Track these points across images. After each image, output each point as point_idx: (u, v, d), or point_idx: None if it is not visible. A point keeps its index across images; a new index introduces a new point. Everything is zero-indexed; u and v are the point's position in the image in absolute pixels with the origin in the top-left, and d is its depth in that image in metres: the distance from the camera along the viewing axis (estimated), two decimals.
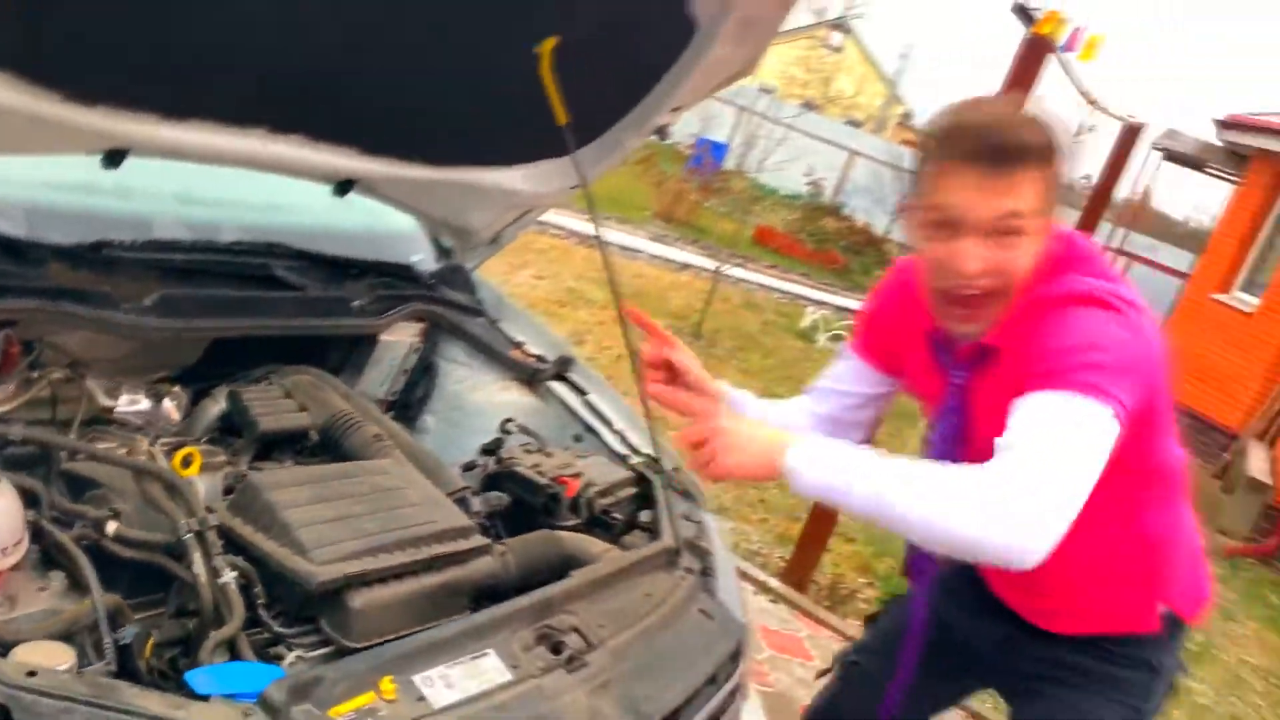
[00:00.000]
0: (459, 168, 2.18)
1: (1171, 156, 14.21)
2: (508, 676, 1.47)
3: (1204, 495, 9.34)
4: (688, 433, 1.53)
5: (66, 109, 1.53)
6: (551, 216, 10.85)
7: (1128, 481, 1.62)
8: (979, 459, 1.65)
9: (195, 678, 1.23)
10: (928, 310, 1.66)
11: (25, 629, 1.27)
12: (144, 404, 1.76)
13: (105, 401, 1.73)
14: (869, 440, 1.86)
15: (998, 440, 1.42)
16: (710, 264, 9.77)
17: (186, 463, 1.55)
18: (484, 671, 1.46)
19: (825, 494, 1.43)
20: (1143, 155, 14.41)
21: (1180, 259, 17.90)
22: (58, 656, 1.21)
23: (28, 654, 1.20)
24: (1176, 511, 1.76)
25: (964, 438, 1.68)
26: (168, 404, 1.79)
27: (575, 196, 2.19)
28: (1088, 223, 5.49)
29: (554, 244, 9.96)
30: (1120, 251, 15.47)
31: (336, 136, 1.92)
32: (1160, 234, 30.82)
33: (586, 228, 10.93)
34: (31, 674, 1.11)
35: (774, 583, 4.35)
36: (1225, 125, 12.30)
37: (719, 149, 17.44)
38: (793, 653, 3.93)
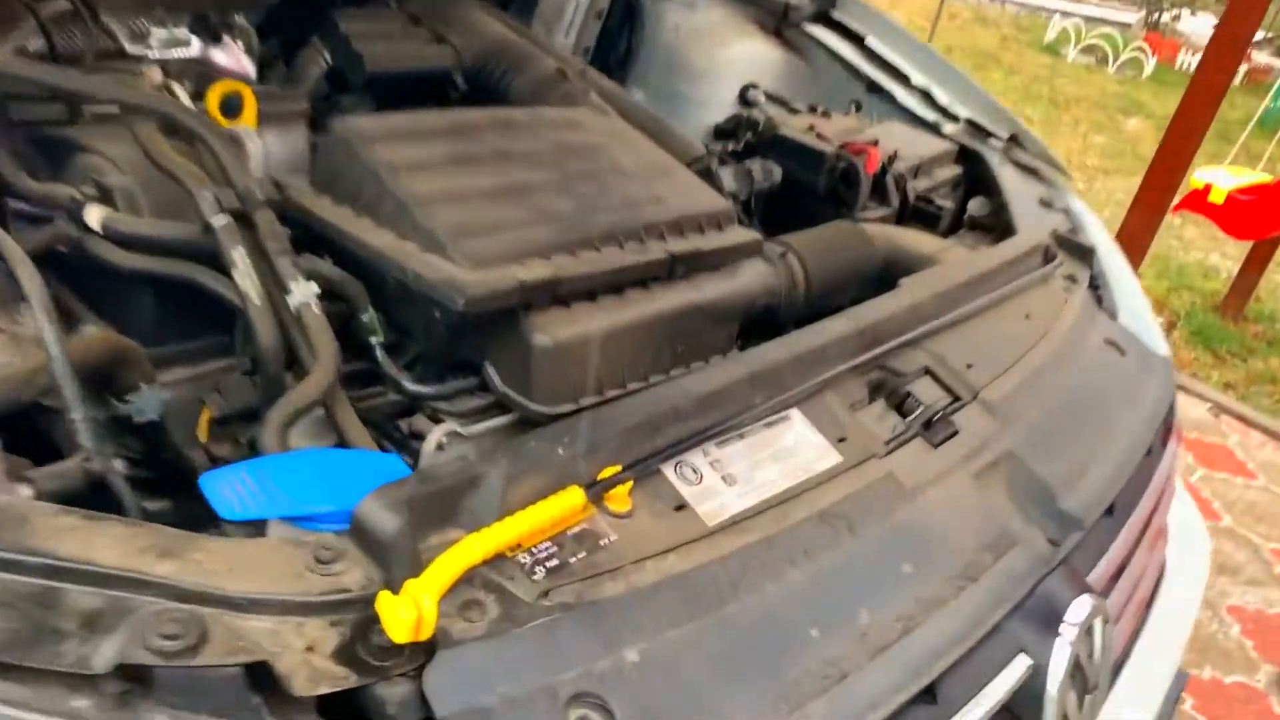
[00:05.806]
0: None
1: None
2: (834, 459, 0.78)
3: None
4: None
5: None
6: None
7: None
8: None
9: (214, 482, 0.59)
10: None
11: None
12: (193, 47, 1.09)
13: (130, 48, 1.07)
14: None
15: None
16: None
17: (230, 106, 0.88)
18: (789, 450, 0.78)
19: None
20: None
21: None
22: None
23: None
24: None
25: None
26: (230, 45, 1.11)
27: None
28: None
29: None
30: None
31: None
32: None
33: None
34: None
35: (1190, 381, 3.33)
36: None
37: None
38: (1221, 466, 2.86)
